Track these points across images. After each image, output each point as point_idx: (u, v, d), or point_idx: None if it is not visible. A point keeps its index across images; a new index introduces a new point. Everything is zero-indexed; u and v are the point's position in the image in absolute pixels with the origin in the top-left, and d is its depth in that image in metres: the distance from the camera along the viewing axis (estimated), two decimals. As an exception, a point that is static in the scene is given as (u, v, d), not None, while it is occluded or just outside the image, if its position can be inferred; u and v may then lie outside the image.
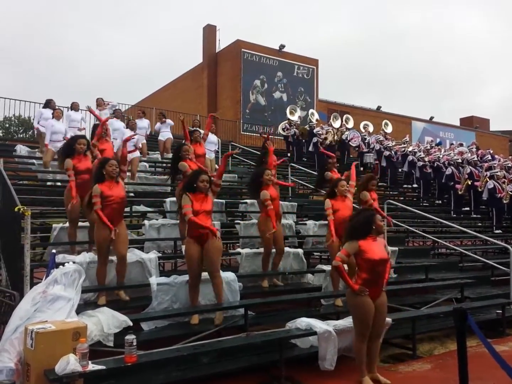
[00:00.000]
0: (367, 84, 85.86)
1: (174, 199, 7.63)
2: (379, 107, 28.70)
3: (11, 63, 73.59)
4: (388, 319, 4.78)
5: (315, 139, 15.60)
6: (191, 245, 4.85)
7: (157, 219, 7.10)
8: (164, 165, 11.45)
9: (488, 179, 12.79)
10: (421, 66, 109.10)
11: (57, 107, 10.04)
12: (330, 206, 6.13)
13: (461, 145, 18.30)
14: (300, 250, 7.11)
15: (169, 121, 12.39)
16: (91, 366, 3.34)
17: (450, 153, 15.28)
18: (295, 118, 17.24)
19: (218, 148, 12.32)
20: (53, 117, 9.38)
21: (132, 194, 8.69)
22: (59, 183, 8.36)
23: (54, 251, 4.59)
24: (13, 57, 75.99)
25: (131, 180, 9.13)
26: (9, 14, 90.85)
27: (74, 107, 10.83)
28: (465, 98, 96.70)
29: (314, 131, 15.95)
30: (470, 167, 13.63)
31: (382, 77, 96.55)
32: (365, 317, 4.18)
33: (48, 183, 8.17)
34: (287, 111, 17.84)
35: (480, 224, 13.08)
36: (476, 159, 14.61)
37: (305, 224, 8.55)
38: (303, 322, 4.62)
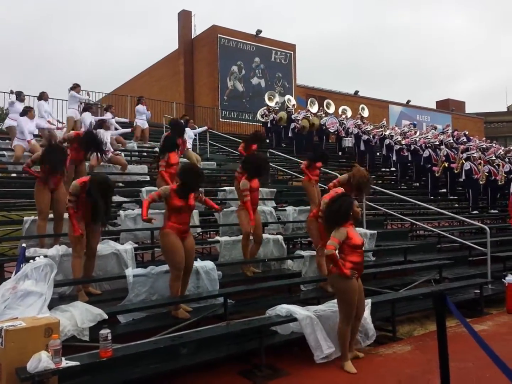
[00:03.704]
0: (346, 75, 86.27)
1: (150, 188, 7.50)
2: (356, 92, 28.75)
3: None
4: (367, 300, 4.83)
5: (293, 125, 15.53)
6: (175, 237, 4.65)
7: (133, 209, 6.94)
8: (138, 153, 11.29)
9: (464, 161, 12.95)
10: (402, 61, 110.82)
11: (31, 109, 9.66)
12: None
13: (434, 128, 18.51)
14: (279, 237, 7.06)
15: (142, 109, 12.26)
16: (65, 363, 3.23)
17: (427, 136, 15.40)
18: (273, 104, 17.12)
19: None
20: (24, 114, 8.98)
21: (121, 184, 8.56)
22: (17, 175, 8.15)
23: (24, 245, 4.44)
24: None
25: (121, 169, 8.96)
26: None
27: (45, 97, 10.59)
28: (442, 88, 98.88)
29: (292, 116, 15.87)
30: (447, 149, 13.76)
31: (361, 70, 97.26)
32: (354, 300, 4.30)
33: (13, 175, 7.94)
34: (266, 97, 17.70)
35: (457, 205, 13.28)
36: (452, 141, 14.77)
37: (285, 210, 8.52)
38: (283, 308, 4.58)
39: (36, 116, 9.69)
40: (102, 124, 9.32)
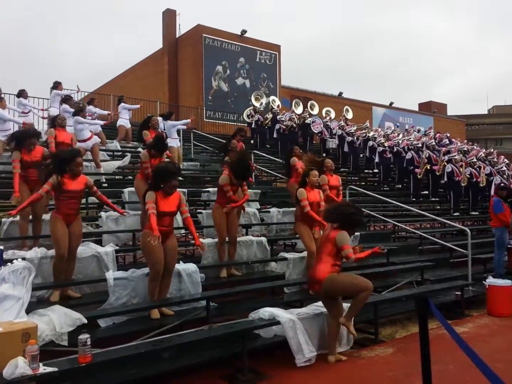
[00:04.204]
0: (331, 76, 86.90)
1: (132, 189, 7.40)
2: (340, 93, 28.92)
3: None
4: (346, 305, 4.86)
5: (277, 126, 15.53)
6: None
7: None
8: (121, 153, 11.12)
9: (446, 163, 13.11)
10: (386, 63, 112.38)
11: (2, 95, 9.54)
12: (306, 197, 5.88)
13: (418, 130, 18.74)
14: (263, 238, 7.03)
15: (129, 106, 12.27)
16: (42, 369, 3.14)
17: (410, 138, 15.56)
18: (258, 104, 17.13)
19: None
20: None
21: (105, 185, 8.46)
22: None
23: (1, 247, 4.32)
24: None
25: (96, 169, 8.78)
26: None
27: (24, 95, 10.45)
28: (424, 90, 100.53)
29: (278, 117, 15.87)
30: (429, 151, 13.91)
31: (347, 71, 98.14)
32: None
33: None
34: (252, 97, 17.68)
35: (438, 207, 13.41)
36: (434, 143, 14.95)
37: (269, 211, 8.49)
38: (266, 312, 4.55)
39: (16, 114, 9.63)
40: (79, 112, 9.05)
